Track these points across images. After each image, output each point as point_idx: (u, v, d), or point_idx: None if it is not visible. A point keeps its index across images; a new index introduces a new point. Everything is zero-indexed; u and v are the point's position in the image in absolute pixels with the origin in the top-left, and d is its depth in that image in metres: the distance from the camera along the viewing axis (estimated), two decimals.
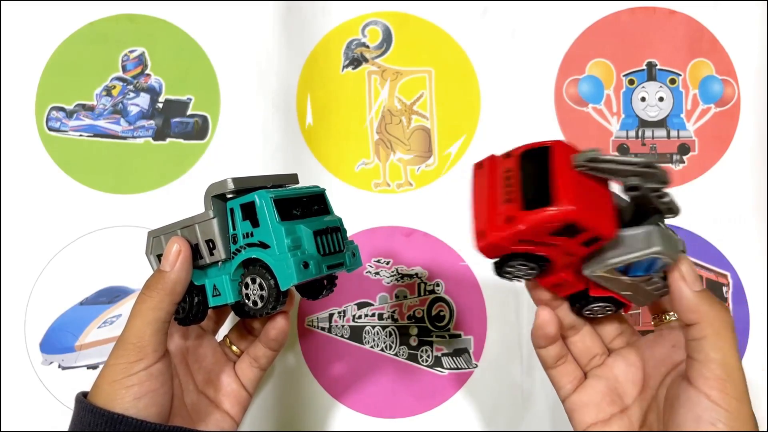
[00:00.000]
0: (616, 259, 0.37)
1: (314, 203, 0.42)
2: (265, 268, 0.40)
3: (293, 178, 0.44)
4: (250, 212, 0.40)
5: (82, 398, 0.40)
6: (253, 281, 0.40)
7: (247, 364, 0.49)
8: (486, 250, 0.36)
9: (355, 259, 0.43)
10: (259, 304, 0.40)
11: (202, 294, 0.43)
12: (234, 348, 0.50)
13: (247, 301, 0.41)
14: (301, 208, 0.41)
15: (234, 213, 0.41)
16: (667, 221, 0.37)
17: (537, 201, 0.34)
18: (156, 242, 0.45)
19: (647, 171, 0.34)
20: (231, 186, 0.40)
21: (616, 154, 0.36)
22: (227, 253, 0.42)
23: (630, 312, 0.47)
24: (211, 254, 0.42)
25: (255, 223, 0.40)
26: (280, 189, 0.41)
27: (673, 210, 0.37)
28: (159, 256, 0.45)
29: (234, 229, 0.41)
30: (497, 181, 0.37)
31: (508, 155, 0.38)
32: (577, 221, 0.33)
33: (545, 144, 0.36)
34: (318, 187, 0.43)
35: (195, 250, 0.43)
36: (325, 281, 0.45)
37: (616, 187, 0.37)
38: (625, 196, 0.37)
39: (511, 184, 0.36)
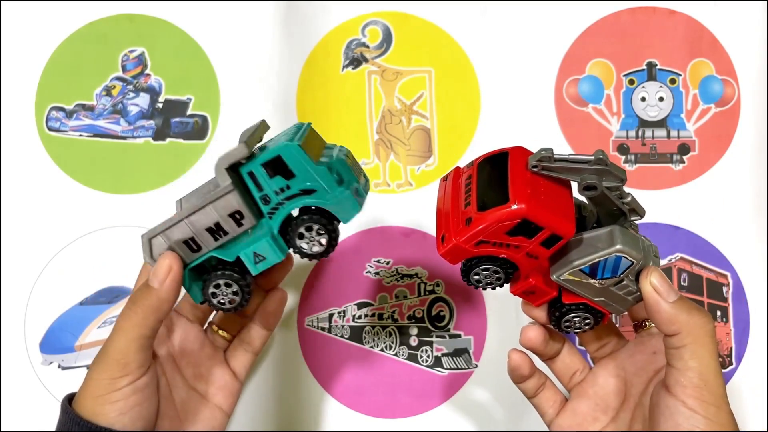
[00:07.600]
0: (580, 260, 0.37)
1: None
2: (319, 213, 0.40)
3: (264, 123, 0.43)
4: (278, 167, 0.39)
5: (69, 407, 0.40)
6: (309, 230, 0.41)
7: (240, 350, 0.48)
8: (448, 255, 0.38)
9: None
10: (319, 250, 0.41)
11: (240, 268, 0.42)
12: (222, 333, 0.49)
13: (304, 250, 0.41)
14: None
15: (255, 175, 0.40)
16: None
17: (492, 202, 0.36)
18: (157, 243, 0.43)
19: (600, 168, 0.35)
20: (245, 151, 0.39)
21: (572, 153, 0.36)
22: (258, 217, 0.42)
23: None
24: (240, 224, 0.41)
25: (288, 175, 0.39)
26: (291, 136, 0.41)
27: (637, 211, 0.37)
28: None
29: (261, 190, 0.40)
30: (458, 189, 0.39)
31: (470, 164, 0.39)
32: (529, 217, 0.35)
33: (504, 150, 0.38)
34: (304, 123, 0.43)
35: (215, 231, 0.42)
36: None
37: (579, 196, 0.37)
38: (583, 198, 0.38)
39: (470, 189, 0.38)
